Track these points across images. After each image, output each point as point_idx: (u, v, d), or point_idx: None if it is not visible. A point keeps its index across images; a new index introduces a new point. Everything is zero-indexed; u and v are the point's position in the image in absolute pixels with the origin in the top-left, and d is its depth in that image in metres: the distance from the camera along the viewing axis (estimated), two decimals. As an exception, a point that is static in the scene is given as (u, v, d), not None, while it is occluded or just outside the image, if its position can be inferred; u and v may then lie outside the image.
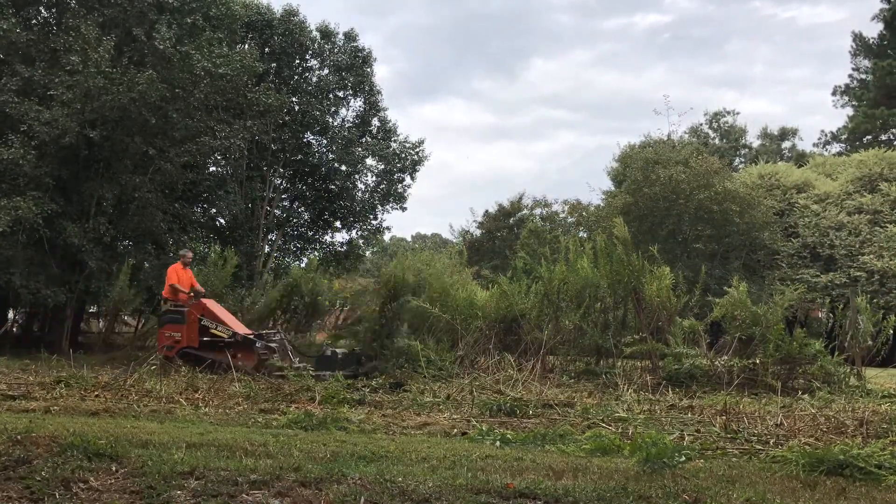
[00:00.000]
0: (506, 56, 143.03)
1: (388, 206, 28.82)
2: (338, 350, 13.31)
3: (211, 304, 13.09)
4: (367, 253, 33.05)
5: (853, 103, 42.63)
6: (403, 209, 29.33)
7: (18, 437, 4.89)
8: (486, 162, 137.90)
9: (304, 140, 27.86)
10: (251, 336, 12.34)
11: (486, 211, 49.89)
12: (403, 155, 28.55)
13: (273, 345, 12.33)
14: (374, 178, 28.69)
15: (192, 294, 13.26)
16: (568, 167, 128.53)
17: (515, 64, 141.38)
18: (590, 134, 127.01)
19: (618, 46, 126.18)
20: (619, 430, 6.64)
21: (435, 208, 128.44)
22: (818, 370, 10.83)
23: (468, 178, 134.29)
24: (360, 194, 28.50)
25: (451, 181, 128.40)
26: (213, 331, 12.21)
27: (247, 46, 24.58)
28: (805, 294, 25.59)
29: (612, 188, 39.04)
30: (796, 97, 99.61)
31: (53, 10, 20.78)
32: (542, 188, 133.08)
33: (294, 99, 26.50)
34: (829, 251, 25.73)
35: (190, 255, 14.45)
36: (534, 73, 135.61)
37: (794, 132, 50.15)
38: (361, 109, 28.57)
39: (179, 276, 13.44)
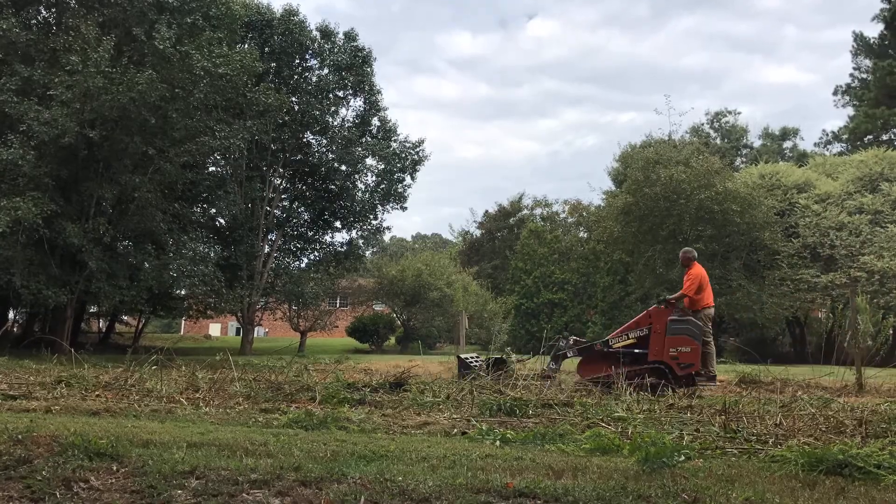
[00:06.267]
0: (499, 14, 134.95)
1: (388, 206, 28.85)
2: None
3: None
4: (367, 253, 33.13)
5: (854, 103, 42.63)
6: (404, 209, 29.37)
7: (19, 436, 4.90)
8: (482, 143, 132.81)
9: (304, 140, 27.87)
10: None
11: (486, 211, 50.17)
12: (403, 155, 28.56)
13: None
14: (374, 178, 28.73)
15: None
16: (571, 152, 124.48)
17: (510, 23, 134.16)
18: (597, 110, 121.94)
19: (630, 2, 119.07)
20: (619, 430, 6.65)
21: (428, 196, 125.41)
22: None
23: (463, 162, 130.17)
24: (360, 194, 28.52)
25: (444, 165, 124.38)
26: None
27: (246, 46, 24.59)
28: (805, 294, 25.63)
29: (613, 188, 39.07)
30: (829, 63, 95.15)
31: (53, 10, 20.81)
32: (543, 176, 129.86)
33: (294, 99, 26.51)
34: (830, 251, 25.72)
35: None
36: (532, 34, 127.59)
37: (794, 132, 50.22)
38: (361, 109, 28.60)
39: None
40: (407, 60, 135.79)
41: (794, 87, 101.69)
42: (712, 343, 10.83)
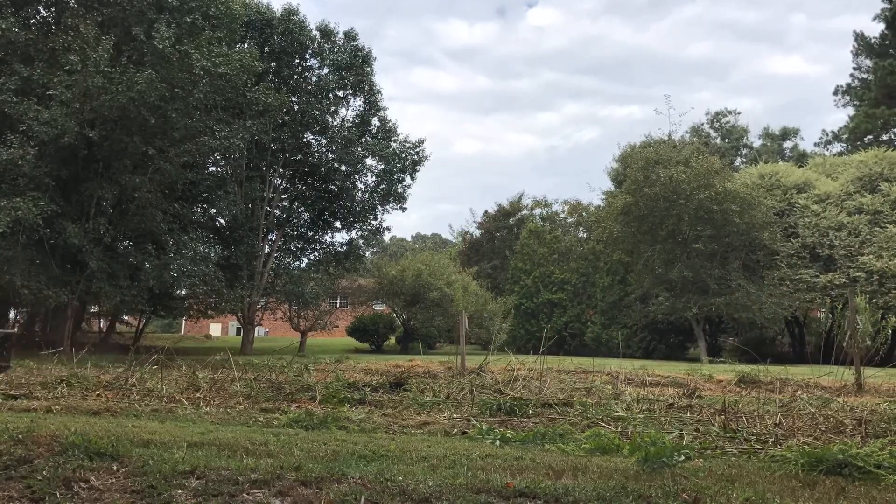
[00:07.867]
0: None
1: (388, 207, 28.83)
2: None
3: None
4: (367, 253, 33.05)
5: (854, 103, 42.61)
6: (403, 209, 29.34)
7: (20, 436, 4.90)
8: (481, 137, 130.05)
9: (304, 140, 27.85)
10: None
11: (486, 211, 50.15)
12: (403, 155, 28.54)
13: None
14: (373, 178, 28.71)
15: None
16: (569, 147, 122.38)
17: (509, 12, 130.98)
18: (598, 103, 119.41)
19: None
20: (619, 430, 6.65)
21: (427, 193, 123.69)
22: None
23: (461, 158, 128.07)
24: (360, 194, 28.50)
25: (443, 161, 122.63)
26: None
27: (246, 46, 24.57)
28: (804, 294, 25.64)
29: (612, 188, 39.09)
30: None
31: (52, 10, 20.81)
32: (542, 172, 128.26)
33: (294, 98, 26.48)
34: (829, 251, 25.72)
35: None
36: (532, 24, 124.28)
37: (795, 132, 50.19)
38: (361, 109, 28.57)
39: None
40: (402, 51, 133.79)
41: (801, 78, 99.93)
42: None
